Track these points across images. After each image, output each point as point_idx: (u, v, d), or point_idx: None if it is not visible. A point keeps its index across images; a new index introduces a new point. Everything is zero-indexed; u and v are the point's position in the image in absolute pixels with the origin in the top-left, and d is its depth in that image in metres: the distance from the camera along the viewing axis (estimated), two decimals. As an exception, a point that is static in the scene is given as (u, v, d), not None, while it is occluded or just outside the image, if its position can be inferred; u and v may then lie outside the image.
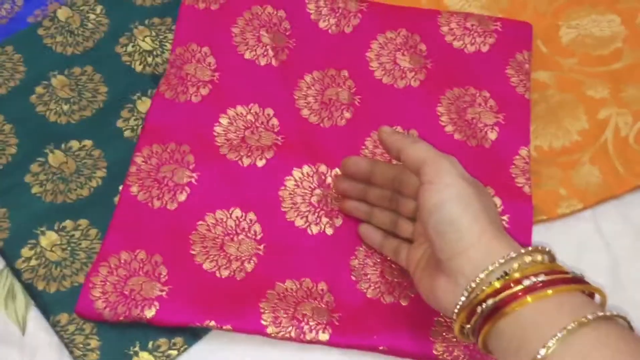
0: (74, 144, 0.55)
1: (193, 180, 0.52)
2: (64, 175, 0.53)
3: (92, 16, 0.61)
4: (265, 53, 0.58)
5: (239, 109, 0.56)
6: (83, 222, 0.51)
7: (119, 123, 0.56)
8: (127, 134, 0.56)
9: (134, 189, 0.51)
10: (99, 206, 0.52)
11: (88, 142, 0.55)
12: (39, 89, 0.57)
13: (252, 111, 0.56)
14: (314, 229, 0.52)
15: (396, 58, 0.59)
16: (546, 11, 0.63)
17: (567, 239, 0.53)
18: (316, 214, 0.52)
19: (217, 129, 0.55)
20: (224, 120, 0.55)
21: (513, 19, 0.61)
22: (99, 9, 0.61)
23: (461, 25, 0.60)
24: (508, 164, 0.55)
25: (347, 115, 0.56)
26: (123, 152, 0.54)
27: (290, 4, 0.60)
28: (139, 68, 0.59)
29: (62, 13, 0.60)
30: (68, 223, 0.51)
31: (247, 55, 0.58)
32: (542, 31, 0.61)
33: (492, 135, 0.56)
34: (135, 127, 0.56)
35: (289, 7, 0.60)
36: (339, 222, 0.52)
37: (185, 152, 0.53)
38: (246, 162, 0.53)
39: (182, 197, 0.52)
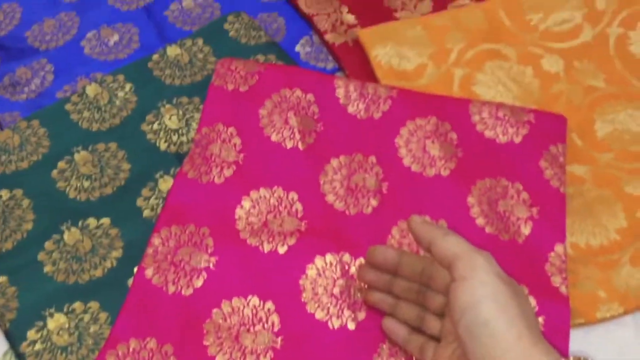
0: (92, 221, 0.53)
1: (211, 265, 0.50)
2: (78, 254, 0.52)
3: (120, 94, 0.61)
4: (292, 136, 0.57)
5: (262, 191, 0.54)
6: (93, 305, 0.49)
7: (139, 202, 0.55)
8: (146, 213, 0.54)
9: (149, 272, 0.49)
10: (112, 288, 0.50)
11: (106, 220, 0.54)
12: (62, 164, 0.56)
13: (275, 195, 0.54)
14: (336, 323, 0.49)
15: (426, 145, 0.57)
16: (581, 104, 0.61)
17: (607, 346, 0.49)
18: (338, 306, 0.49)
19: (239, 211, 0.53)
20: (246, 203, 0.53)
21: (547, 111, 0.59)
22: (128, 86, 0.61)
23: (493, 115, 0.58)
24: (543, 261, 0.52)
25: (374, 202, 0.54)
26: (141, 232, 0.53)
27: (319, 88, 0.59)
28: (163, 146, 0.58)
29: (91, 90, 0.60)
30: (77, 305, 0.49)
31: (274, 138, 0.57)
32: (577, 124, 0.60)
33: (526, 230, 0.53)
34: (155, 207, 0.55)
35: (318, 91, 0.59)
36: (361, 315, 0.49)
37: (205, 234, 0.51)
38: (267, 247, 0.51)
39: (198, 283, 0.49)
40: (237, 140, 0.57)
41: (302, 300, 0.49)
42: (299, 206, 0.54)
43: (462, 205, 0.54)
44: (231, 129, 0.57)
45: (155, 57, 0.63)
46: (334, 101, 0.59)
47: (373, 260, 0.48)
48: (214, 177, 0.54)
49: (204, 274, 0.50)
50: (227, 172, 0.55)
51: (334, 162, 0.56)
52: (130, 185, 0.56)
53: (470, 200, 0.54)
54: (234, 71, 0.60)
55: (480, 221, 0.53)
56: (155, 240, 0.51)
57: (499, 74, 0.63)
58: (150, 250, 0.51)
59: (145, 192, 0.55)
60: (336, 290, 0.50)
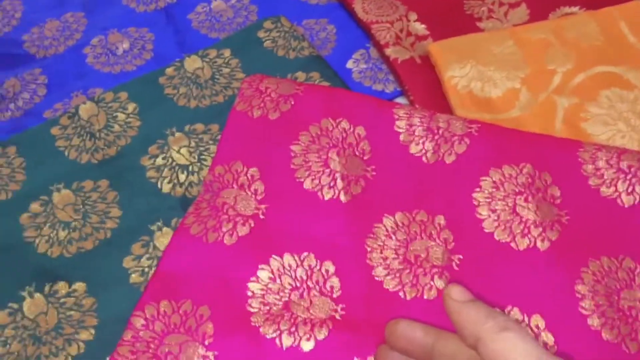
0: (62, 286, 0.40)
1: None
2: (38, 332, 0.39)
3: (121, 116, 0.48)
4: (332, 183, 0.42)
5: (287, 258, 0.40)
6: (45, 409, 0.36)
7: (127, 262, 0.42)
8: (134, 277, 0.41)
9: None
10: (73, 386, 0.37)
11: (80, 286, 0.41)
12: (35, 206, 0.44)
13: (305, 264, 0.40)
14: None
15: (516, 205, 0.41)
16: None
17: None
18: None
19: (253, 286, 0.39)
20: (263, 274, 0.39)
21: None
22: (131, 107, 0.48)
23: (614, 165, 0.42)
24: None
25: (439, 283, 0.39)
26: (123, 306, 0.39)
27: (373, 119, 0.45)
28: (166, 188, 0.45)
29: (85, 110, 0.48)
30: (26, 407, 0.36)
31: (308, 185, 0.42)
32: None
33: None
34: (147, 270, 0.41)
35: (371, 123, 0.44)
36: None
37: (204, 317, 0.37)
38: (287, 342, 0.37)
39: None
40: (259, 187, 0.42)
41: None
42: (335, 282, 0.39)
43: (567, 295, 0.38)
44: (253, 170, 0.43)
45: (169, 70, 0.50)
46: (392, 137, 0.44)
47: (394, 342, 0.33)
48: (224, 235, 0.40)
49: None
50: (242, 231, 0.41)
51: (388, 222, 0.41)
52: (117, 239, 0.42)
53: (580, 288, 0.38)
54: (264, 93, 0.46)
55: (594, 322, 0.37)
56: (137, 322, 0.37)
57: (619, 107, 0.46)
58: (128, 336, 0.37)
59: (136, 248, 0.42)
60: None
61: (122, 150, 0.46)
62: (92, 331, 0.39)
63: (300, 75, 0.49)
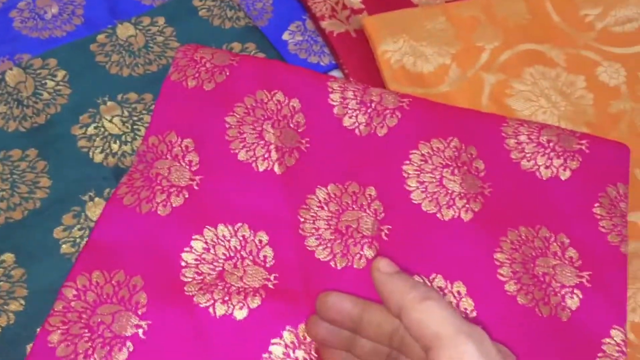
0: (-12, 258, 0.40)
1: (140, 332, 0.36)
2: (-36, 303, 0.38)
3: (50, 83, 0.46)
4: (266, 155, 0.43)
5: (221, 229, 0.40)
6: (-26, 381, 0.36)
7: (58, 232, 0.41)
8: (65, 248, 0.41)
9: (54, 338, 0.36)
10: (4, 356, 0.36)
11: (9, 257, 0.40)
12: (-40, 176, 0.42)
13: (238, 234, 0.40)
14: None
15: (443, 178, 0.43)
16: (647, 130, 0.47)
17: None
18: None
19: (187, 256, 0.39)
20: (197, 245, 0.40)
21: (604, 138, 0.45)
22: (60, 74, 0.47)
23: (534, 139, 0.44)
24: (594, 350, 0.38)
25: (369, 253, 0.40)
26: (54, 277, 0.39)
27: (308, 92, 0.45)
28: (98, 157, 0.44)
29: (12, 76, 0.46)
30: (-48, 381, 0.36)
31: (242, 156, 0.43)
32: (642, 157, 0.46)
33: (572, 303, 0.39)
34: (78, 241, 0.41)
35: (306, 96, 0.45)
36: None
37: (137, 287, 0.38)
38: (220, 311, 0.37)
39: (120, 358, 0.36)
40: (194, 157, 0.42)
41: None
42: (269, 252, 0.40)
43: (487, 263, 0.40)
44: (187, 141, 0.43)
45: (100, 37, 0.49)
46: (326, 110, 0.45)
47: (324, 313, 0.34)
48: (158, 206, 0.40)
49: (130, 345, 0.36)
50: (176, 202, 0.41)
51: (320, 193, 0.42)
52: (47, 210, 0.42)
53: (499, 256, 0.40)
54: (199, 63, 0.45)
55: (510, 287, 0.39)
56: (68, 292, 0.37)
57: (542, 84, 0.48)
58: (59, 306, 0.37)
59: (67, 219, 0.42)
60: None
61: (51, 119, 0.45)
62: (22, 302, 0.38)
63: (236, 46, 0.49)
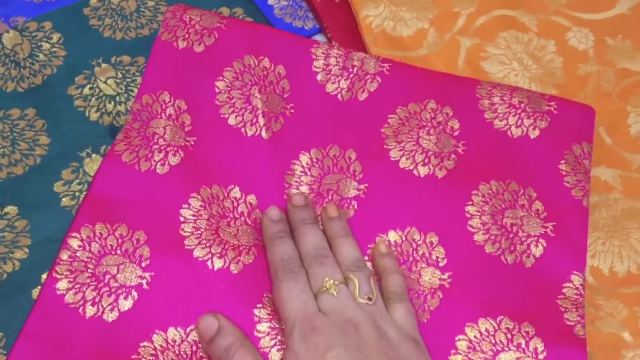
0: (-7, 210, 0.42)
1: (144, 283, 0.39)
2: (-28, 252, 0.41)
3: (45, 45, 0.48)
4: (254, 120, 0.45)
5: (215, 189, 0.43)
6: (-16, 322, 0.38)
7: (58, 187, 0.44)
8: (65, 201, 0.43)
9: (62, 285, 0.38)
10: (11, 300, 0.39)
11: (12, 209, 0.42)
12: (-38, 133, 0.44)
13: (231, 195, 0.43)
14: None
15: (419, 137, 0.46)
16: (612, 91, 0.50)
17: (628, 402, 0.40)
18: None
19: (185, 212, 0.42)
20: (195, 202, 0.42)
21: (571, 101, 0.48)
22: (55, 37, 0.49)
23: (506, 100, 0.47)
24: (555, 293, 0.41)
25: (350, 212, 0.43)
26: (56, 227, 0.42)
27: (292, 59, 0.47)
28: (94, 116, 0.46)
29: (9, 38, 0.48)
30: (-36, 321, 0.38)
31: (232, 121, 0.45)
32: (606, 117, 0.49)
33: (536, 251, 0.43)
34: (78, 194, 0.43)
35: (290, 62, 0.47)
36: None
37: (140, 241, 0.40)
38: (218, 264, 0.40)
39: (126, 305, 0.38)
40: (186, 119, 0.45)
41: (256, 335, 0.39)
42: (258, 214, 0.43)
43: (459, 215, 0.43)
44: (179, 102, 0.45)
45: (93, 1, 0.51)
46: (309, 77, 0.47)
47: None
48: (156, 165, 0.43)
49: (135, 294, 0.39)
50: (173, 160, 0.43)
51: (304, 159, 0.45)
52: (47, 165, 0.44)
53: (470, 209, 0.44)
54: (188, 24, 0.47)
55: (479, 238, 0.43)
56: (73, 242, 0.40)
57: (514, 48, 0.51)
58: (64, 255, 0.39)
59: (66, 174, 0.44)
60: None
61: (48, 80, 0.47)
62: (26, 250, 0.41)
63: (224, 10, 0.51)
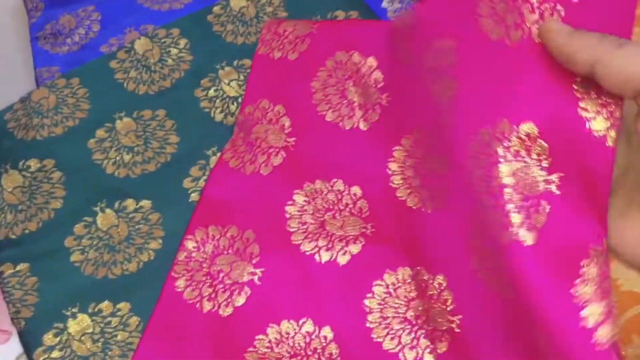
0: (130, 203, 0.45)
1: (256, 279, 0.41)
2: (111, 242, 0.44)
3: (173, 51, 0.51)
4: (351, 114, 0.46)
5: (319, 184, 0.44)
6: (124, 307, 0.41)
7: (187, 183, 0.46)
8: (194, 197, 0.46)
9: (181, 283, 0.41)
10: (147, 288, 0.42)
11: (146, 203, 0.45)
12: (101, 132, 0.48)
13: (335, 188, 0.44)
14: (409, 356, 0.39)
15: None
16: None
17: None
18: (413, 334, 0.39)
19: (290, 209, 0.43)
20: (299, 198, 0.43)
21: None
22: (183, 42, 0.52)
23: None
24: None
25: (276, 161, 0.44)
26: (185, 220, 0.44)
27: (383, 49, 0.46)
28: (219, 117, 0.49)
29: (140, 45, 0.52)
30: (105, 305, 0.41)
31: (329, 117, 0.46)
32: None
33: None
34: (204, 190, 0.46)
35: (381, 52, 0.46)
36: (442, 347, 0.39)
37: (249, 240, 0.42)
38: (325, 257, 0.41)
39: (240, 301, 0.40)
40: (286, 121, 0.46)
41: (368, 325, 0.39)
42: (363, 204, 0.43)
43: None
44: (279, 107, 0.47)
45: (216, 9, 0.54)
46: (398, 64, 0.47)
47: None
48: (260, 166, 0.44)
49: (247, 289, 0.40)
50: (276, 160, 0.45)
51: (406, 143, 0.44)
52: (177, 163, 0.47)
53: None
54: (282, 35, 0.49)
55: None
56: (189, 244, 0.42)
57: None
58: (182, 256, 0.42)
59: (194, 171, 0.47)
60: (410, 315, 0.40)
61: (176, 83, 0.50)
62: (160, 241, 0.44)
63: (340, 14, 0.53)
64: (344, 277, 0.41)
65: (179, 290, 0.40)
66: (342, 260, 0.41)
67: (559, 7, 0.30)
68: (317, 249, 0.42)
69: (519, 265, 0.30)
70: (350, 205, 0.43)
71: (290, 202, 0.43)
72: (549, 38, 0.29)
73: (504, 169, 0.30)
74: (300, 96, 0.47)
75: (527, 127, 0.30)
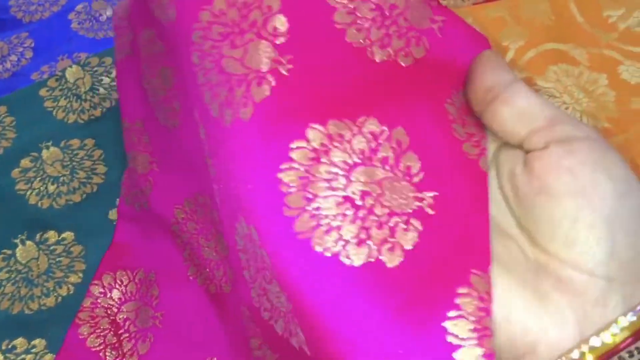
0: (52, 235, 0.44)
1: (157, 322, 0.40)
2: (30, 275, 0.42)
3: (106, 80, 0.51)
4: None
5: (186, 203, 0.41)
6: (39, 343, 0.40)
7: (112, 214, 0.45)
8: (119, 228, 0.44)
9: (85, 330, 0.40)
10: (63, 324, 0.40)
11: (69, 235, 0.44)
12: (25, 162, 0.47)
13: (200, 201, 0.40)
14: None
15: None
16: (667, 125, 0.49)
17: None
18: None
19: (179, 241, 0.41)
20: (179, 214, 0.40)
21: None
22: (115, 72, 0.51)
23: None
24: None
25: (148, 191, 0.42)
26: (109, 253, 0.43)
27: None
28: (149, 147, 0.48)
29: (72, 73, 0.51)
30: (20, 342, 0.40)
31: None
32: (661, 151, 0.48)
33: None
34: (130, 222, 0.45)
35: None
36: None
37: (152, 281, 0.41)
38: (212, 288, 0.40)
39: (143, 349, 0.39)
40: (147, 138, 0.42)
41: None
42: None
43: None
44: (138, 123, 0.42)
45: (151, 38, 0.53)
46: None
47: None
48: (145, 200, 0.42)
49: (151, 336, 0.39)
50: (148, 190, 0.42)
51: None
52: (103, 193, 0.46)
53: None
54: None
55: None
56: (95, 290, 0.41)
57: (565, 81, 0.51)
58: (87, 303, 0.40)
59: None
60: None
61: (106, 112, 0.49)
62: (81, 275, 0.42)
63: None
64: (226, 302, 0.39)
65: (82, 337, 0.39)
66: (226, 288, 0.39)
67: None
68: (206, 285, 0.40)
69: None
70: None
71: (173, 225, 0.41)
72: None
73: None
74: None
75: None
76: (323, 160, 0.24)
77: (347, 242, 0.23)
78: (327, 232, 0.23)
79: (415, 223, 0.24)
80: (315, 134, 0.24)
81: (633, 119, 0.49)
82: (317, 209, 0.23)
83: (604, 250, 0.23)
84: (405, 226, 0.24)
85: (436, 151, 0.26)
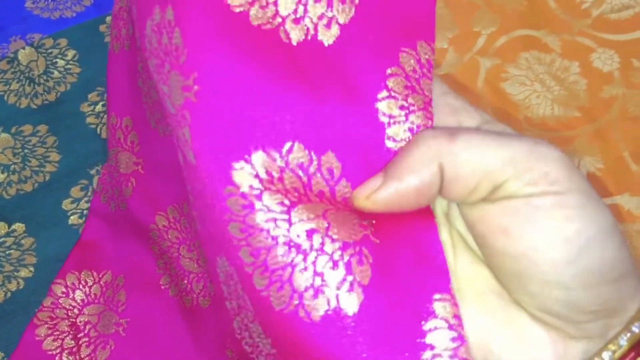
0: (1, 226, 0.42)
1: (121, 330, 0.38)
2: (-23, 269, 0.40)
3: (60, 62, 0.48)
4: None
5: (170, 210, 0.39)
6: (-15, 342, 0.38)
7: (66, 204, 0.43)
8: (73, 220, 0.43)
9: (42, 332, 0.38)
10: (12, 321, 0.39)
11: (19, 227, 0.42)
12: (-27, 149, 0.44)
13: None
14: None
15: None
16: (638, 115, 0.48)
17: None
18: None
19: (155, 248, 0.39)
20: (161, 221, 0.39)
21: None
22: (70, 54, 0.49)
23: None
24: None
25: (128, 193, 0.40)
26: (62, 246, 0.41)
27: None
28: (105, 133, 0.46)
29: (25, 55, 0.48)
30: (-35, 341, 0.38)
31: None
32: (632, 142, 0.47)
33: None
34: (85, 213, 0.43)
35: None
36: None
37: (119, 286, 0.39)
38: (188, 303, 0.38)
39: (102, 356, 0.37)
40: (134, 138, 0.39)
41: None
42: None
43: None
44: (126, 120, 0.39)
45: (109, 18, 0.51)
46: None
47: None
48: (123, 200, 0.40)
49: (112, 343, 0.38)
50: (127, 192, 0.39)
51: None
52: (56, 182, 0.44)
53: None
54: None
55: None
56: (57, 289, 0.39)
57: (536, 69, 0.50)
58: (48, 302, 0.38)
59: (75, 192, 0.44)
60: None
61: (61, 96, 0.47)
62: (32, 269, 0.41)
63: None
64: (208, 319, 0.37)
65: (39, 339, 0.37)
66: (204, 303, 0.38)
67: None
68: (179, 295, 0.38)
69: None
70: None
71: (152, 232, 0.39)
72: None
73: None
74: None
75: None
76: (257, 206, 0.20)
77: (301, 294, 0.20)
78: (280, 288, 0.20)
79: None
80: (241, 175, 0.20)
81: (604, 108, 0.48)
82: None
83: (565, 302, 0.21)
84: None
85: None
